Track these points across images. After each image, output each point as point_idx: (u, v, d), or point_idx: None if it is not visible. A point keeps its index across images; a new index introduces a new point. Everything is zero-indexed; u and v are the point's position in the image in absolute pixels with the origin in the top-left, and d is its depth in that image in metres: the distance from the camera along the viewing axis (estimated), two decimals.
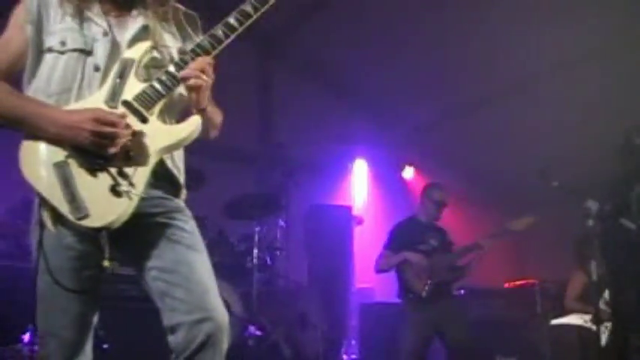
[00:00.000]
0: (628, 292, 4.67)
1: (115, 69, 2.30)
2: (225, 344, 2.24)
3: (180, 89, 2.35)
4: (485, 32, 7.78)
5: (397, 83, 9.10)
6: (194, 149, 2.47)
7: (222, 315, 2.24)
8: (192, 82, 2.25)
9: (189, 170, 2.51)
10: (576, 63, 7.88)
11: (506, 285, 7.84)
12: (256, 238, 6.21)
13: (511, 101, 8.83)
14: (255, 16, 2.35)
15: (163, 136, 2.28)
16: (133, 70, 2.30)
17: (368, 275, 7.13)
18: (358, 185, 10.11)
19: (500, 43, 7.85)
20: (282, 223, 7.01)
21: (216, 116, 2.53)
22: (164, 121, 2.35)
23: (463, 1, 7.55)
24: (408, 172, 10.44)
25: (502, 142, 9.24)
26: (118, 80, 2.28)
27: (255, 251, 6.15)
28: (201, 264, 2.31)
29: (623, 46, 7.43)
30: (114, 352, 4.37)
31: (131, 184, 2.18)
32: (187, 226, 2.35)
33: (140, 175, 2.21)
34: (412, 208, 6.36)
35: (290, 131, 8.85)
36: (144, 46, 2.36)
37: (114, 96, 2.26)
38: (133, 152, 2.20)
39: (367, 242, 8.21)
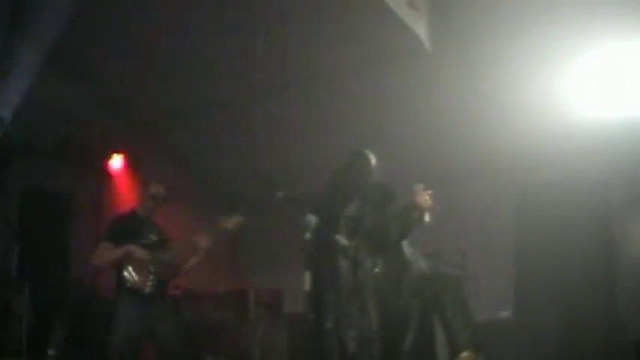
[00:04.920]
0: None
1: None
2: None
3: None
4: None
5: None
6: None
7: None
8: None
9: None
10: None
11: (220, 289, 8.00)
12: None
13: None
14: None
15: None
16: None
17: (84, 267, 6.87)
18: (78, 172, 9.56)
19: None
20: None
21: None
22: None
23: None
24: (117, 161, 9.99)
25: (231, 145, 9.44)
26: None
27: None
28: None
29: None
30: None
31: None
32: None
33: None
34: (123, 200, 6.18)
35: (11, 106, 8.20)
36: None
37: None
38: None
39: (85, 232, 7.92)
